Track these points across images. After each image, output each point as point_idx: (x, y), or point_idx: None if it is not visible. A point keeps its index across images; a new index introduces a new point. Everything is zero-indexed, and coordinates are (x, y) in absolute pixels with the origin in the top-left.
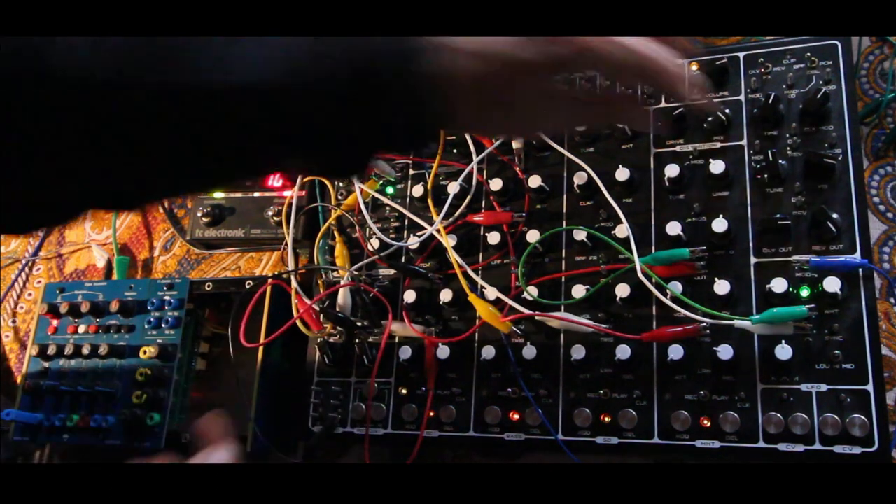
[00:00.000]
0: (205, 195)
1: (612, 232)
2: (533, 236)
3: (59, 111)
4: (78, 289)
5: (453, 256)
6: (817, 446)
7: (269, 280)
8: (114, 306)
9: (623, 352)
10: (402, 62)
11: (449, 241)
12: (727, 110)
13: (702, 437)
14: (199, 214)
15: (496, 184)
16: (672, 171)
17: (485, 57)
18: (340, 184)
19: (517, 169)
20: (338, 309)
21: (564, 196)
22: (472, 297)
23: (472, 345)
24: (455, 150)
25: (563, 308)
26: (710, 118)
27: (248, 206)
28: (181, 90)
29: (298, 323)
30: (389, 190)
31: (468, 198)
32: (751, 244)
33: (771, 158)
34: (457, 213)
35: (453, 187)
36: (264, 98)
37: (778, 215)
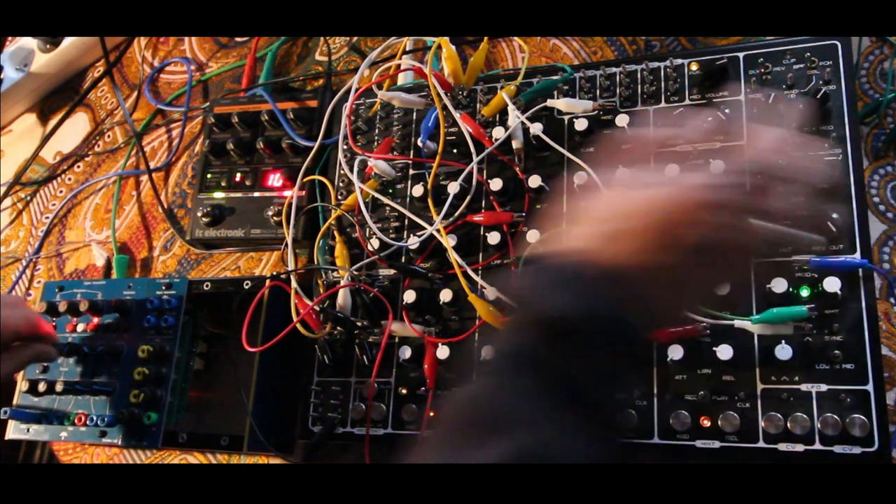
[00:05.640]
0: (205, 195)
1: None
2: (533, 236)
3: None
4: (77, 287)
5: (453, 256)
6: (817, 446)
7: (269, 280)
8: (112, 305)
9: None
10: None
11: (449, 241)
12: (727, 110)
13: (702, 437)
14: (199, 214)
15: (496, 184)
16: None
17: None
18: (340, 184)
19: (517, 169)
20: (338, 309)
21: (564, 196)
22: (471, 297)
23: (472, 345)
24: (455, 150)
25: None
26: (710, 118)
27: (248, 206)
28: None
29: (299, 325)
30: (389, 190)
31: (468, 198)
32: None
33: None
34: (457, 213)
35: (453, 187)
36: None
37: None
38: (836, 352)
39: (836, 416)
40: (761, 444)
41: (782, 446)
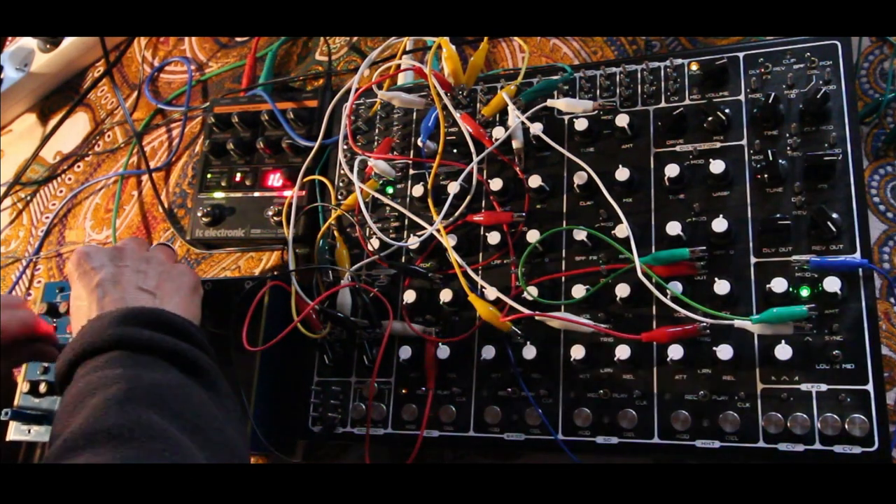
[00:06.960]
0: (205, 195)
1: (612, 232)
2: (533, 236)
3: None
4: None
5: (453, 256)
6: (817, 446)
7: (269, 280)
8: None
9: (623, 352)
10: None
11: (449, 241)
12: (727, 110)
13: (702, 437)
14: (199, 214)
15: (496, 184)
16: (672, 171)
17: None
18: (340, 183)
19: (517, 169)
20: (338, 309)
21: (564, 196)
22: (472, 297)
23: (472, 345)
24: (455, 150)
25: (563, 308)
26: (710, 118)
27: (248, 206)
28: None
29: (299, 325)
30: (389, 190)
31: (468, 198)
32: (751, 244)
33: (771, 158)
34: (457, 213)
35: (453, 187)
36: None
37: (778, 215)
38: (836, 352)
39: (836, 416)
40: (761, 444)
41: (782, 446)
